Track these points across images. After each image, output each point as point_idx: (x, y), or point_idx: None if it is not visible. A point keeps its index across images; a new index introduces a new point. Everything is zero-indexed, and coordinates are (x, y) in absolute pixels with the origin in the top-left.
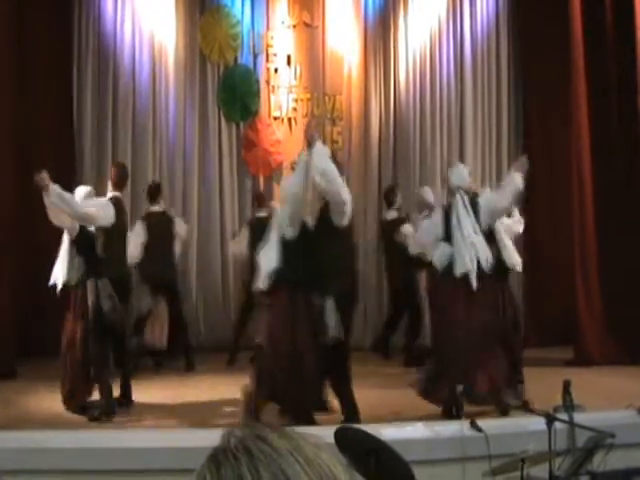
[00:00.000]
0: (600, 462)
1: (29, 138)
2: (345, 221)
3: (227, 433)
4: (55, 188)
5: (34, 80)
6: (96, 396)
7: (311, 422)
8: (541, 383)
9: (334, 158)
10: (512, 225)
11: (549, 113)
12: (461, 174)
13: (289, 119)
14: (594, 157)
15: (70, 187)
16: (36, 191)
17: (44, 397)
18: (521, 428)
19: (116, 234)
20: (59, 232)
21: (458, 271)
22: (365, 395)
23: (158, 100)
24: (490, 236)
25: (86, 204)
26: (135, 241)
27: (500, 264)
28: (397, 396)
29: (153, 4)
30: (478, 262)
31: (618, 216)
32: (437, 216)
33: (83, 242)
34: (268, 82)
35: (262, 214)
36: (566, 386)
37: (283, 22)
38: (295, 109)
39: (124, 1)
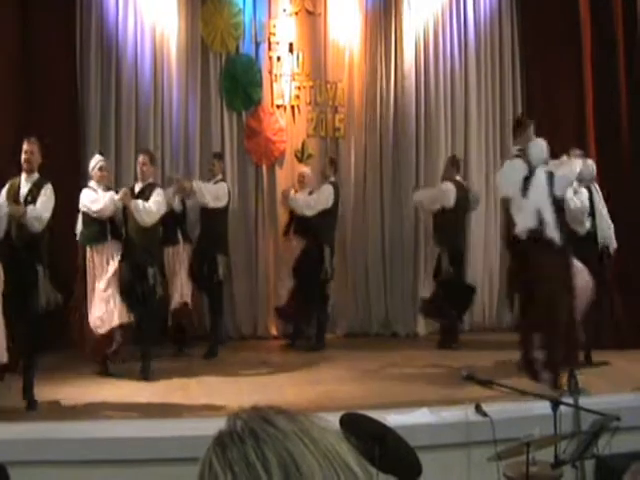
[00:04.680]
0: (605, 445)
1: (34, 129)
2: None
3: (233, 416)
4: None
5: (37, 72)
6: None
7: None
8: None
9: None
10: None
11: (553, 94)
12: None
13: (292, 107)
14: (598, 137)
15: (74, 177)
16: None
17: (55, 389)
18: (526, 412)
19: None
20: (64, 227)
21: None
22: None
23: (160, 90)
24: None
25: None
26: None
27: None
28: (402, 381)
29: None
30: None
31: (623, 190)
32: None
33: None
34: (270, 70)
35: None
36: (571, 370)
37: (285, 10)
38: (298, 97)
39: None
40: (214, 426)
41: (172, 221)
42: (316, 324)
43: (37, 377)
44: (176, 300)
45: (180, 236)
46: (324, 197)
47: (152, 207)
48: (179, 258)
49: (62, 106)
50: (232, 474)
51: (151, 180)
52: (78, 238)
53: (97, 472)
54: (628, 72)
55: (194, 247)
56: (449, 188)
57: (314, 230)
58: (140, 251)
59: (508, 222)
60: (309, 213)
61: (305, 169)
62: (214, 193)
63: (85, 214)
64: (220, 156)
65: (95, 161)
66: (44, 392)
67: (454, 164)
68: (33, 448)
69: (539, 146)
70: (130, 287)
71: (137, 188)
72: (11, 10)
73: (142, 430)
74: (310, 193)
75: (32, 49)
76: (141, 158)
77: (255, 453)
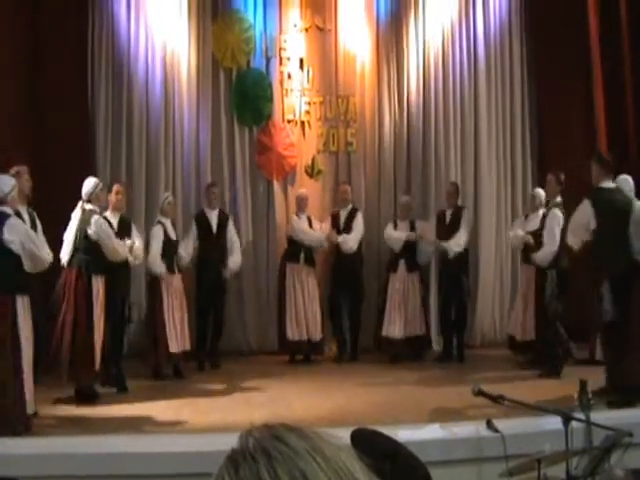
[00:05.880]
0: (618, 461)
1: (46, 147)
2: None
3: (245, 434)
4: None
5: (48, 91)
6: None
7: None
8: (555, 383)
9: None
10: None
11: (563, 109)
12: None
13: (302, 122)
14: (609, 151)
15: None
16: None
17: (65, 405)
18: (537, 428)
19: None
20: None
21: None
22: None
23: (171, 106)
24: None
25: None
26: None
27: None
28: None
29: (165, 10)
30: None
31: None
32: None
33: None
34: (281, 85)
35: None
36: (583, 385)
37: (295, 25)
38: (308, 112)
39: (137, 8)
40: (224, 442)
41: (168, 249)
42: (351, 337)
43: (47, 393)
44: (178, 345)
45: (175, 265)
46: (362, 228)
47: (141, 247)
48: (176, 289)
49: (73, 124)
50: None
51: (124, 211)
52: (79, 263)
53: None
54: (636, 86)
55: (199, 277)
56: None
57: (354, 260)
58: (123, 283)
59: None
60: (355, 248)
61: (304, 191)
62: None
63: (93, 242)
64: (216, 185)
65: (94, 184)
66: (55, 407)
67: (458, 191)
68: (45, 463)
69: (629, 180)
70: (115, 317)
71: (113, 219)
72: (23, 29)
73: (152, 445)
74: (309, 218)
75: (43, 68)
76: (117, 187)
77: (267, 472)
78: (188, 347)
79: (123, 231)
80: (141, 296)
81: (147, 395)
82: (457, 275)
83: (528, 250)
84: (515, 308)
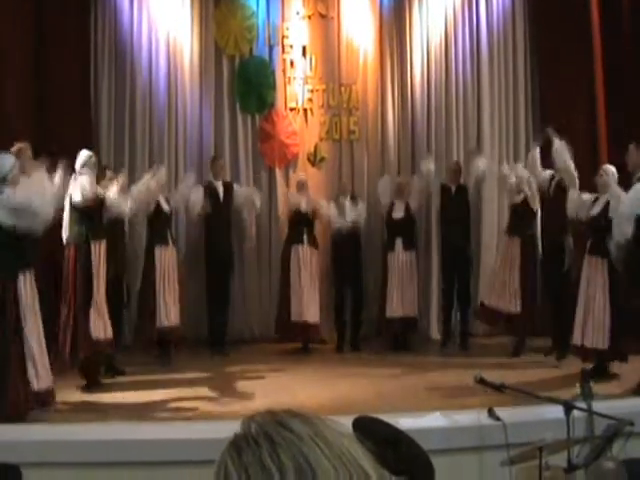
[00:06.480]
0: (619, 450)
1: (48, 138)
2: None
3: (247, 420)
4: None
5: (52, 81)
6: None
7: None
8: (557, 372)
9: None
10: None
11: (566, 99)
12: None
13: (305, 110)
14: (611, 142)
15: None
16: None
17: (68, 392)
18: (539, 416)
19: None
20: None
21: None
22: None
23: (174, 94)
24: None
25: None
26: None
27: None
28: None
29: None
30: None
31: None
32: None
33: None
34: (284, 73)
35: None
36: (584, 375)
37: (298, 13)
38: (311, 100)
39: None
40: (226, 429)
41: (161, 221)
42: (352, 324)
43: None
44: (168, 318)
45: (169, 238)
46: (364, 210)
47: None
48: (169, 262)
49: (76, 114)
50: (247, 477)
51: None
52: (75, 238)
53: (108, 474)
54: (638, 74)
55: (209, 249)
56: None
57: (352, 245)
58: (122, 256)
59: None
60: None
61: (303, 176)
62: None
63: (81, 210)
64: (221, 157)
65: (87, 155)
66: (59, 394)
67: (461, 170)
68: (46, 450)
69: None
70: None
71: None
72: (25, 19)
73: (154, 433)
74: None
75: (46, 58)
76: (111, 174)
77: (271, 457)
78: (178, 322)
79: None
80: (137, 274)
81: (149, 383)
82: (461, 244)
83: (515, 220)
84: (495, 281)
